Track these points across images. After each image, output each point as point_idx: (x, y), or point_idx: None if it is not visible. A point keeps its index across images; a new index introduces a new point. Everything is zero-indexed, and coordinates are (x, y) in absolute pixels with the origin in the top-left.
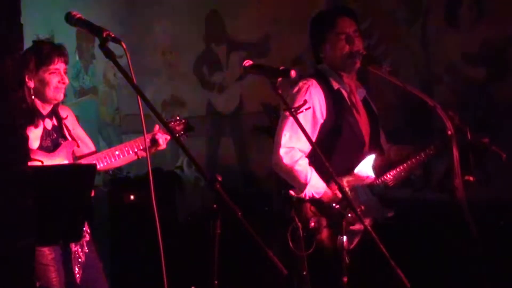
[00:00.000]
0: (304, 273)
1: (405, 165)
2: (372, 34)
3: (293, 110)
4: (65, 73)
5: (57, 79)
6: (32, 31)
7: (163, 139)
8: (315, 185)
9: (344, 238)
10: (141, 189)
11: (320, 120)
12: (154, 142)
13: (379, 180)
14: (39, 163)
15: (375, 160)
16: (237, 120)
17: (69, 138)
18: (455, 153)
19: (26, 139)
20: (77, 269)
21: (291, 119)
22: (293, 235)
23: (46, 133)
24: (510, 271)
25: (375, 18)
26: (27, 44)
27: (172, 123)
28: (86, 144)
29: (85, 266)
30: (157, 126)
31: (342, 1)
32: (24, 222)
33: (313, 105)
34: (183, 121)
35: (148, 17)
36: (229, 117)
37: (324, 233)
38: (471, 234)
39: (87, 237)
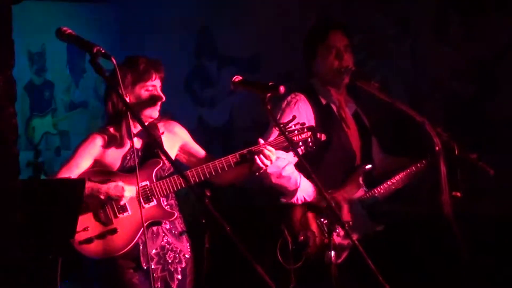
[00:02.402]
0: (292, 286)
1: (396, 177)
2: (361, 50)
3: (282, 126)
4: (161, 89)
5: (153, 96)
6: (24, 45)
7: (263, 157)
8: (306, 189)
9: (332, 253)
10: None
11: None
12: (246, 158)
13: (370, 193)
14: (118, 183)
15: (366, 173)
16: (228, 135)
17: (162, 156)
18: (443, 169)
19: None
20: None
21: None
22: (282, 248)
23: (132, 153)
24: (499, 283)
25: (365, 34)
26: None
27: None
28: (198, 158)
29: None
30: (260, 140)
31: (333, 16)
32: (12, 235)
33: (301, 119)
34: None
35: (139, 32)
36: (220, 132)
37: (313, 247)
38: (459, 249)
39: (183, 264)
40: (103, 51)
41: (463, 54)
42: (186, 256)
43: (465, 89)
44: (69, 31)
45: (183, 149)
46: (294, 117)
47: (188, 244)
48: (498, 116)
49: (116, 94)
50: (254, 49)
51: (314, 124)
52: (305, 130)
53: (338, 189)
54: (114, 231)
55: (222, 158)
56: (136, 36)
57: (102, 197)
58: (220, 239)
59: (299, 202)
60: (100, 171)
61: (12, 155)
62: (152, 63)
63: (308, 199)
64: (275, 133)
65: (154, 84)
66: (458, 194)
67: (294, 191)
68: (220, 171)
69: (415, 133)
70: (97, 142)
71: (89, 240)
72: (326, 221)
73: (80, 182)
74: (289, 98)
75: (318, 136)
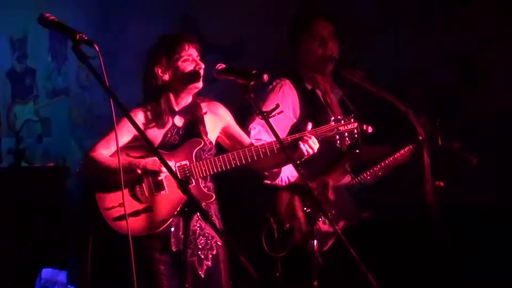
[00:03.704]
0: (277, 274)
1: (383, 163)
2: (344, 39)
3: (265, 114)
4: (200, 59)
5: (192, 65)
6: (6, 32)
7: (307, 146)
8: (289, 170)
9: (315, 242)
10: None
11: (293, 120)
12: (290, 145)
13: (356, 179)
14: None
15: (352, 159)
16: None
17: (203, 136)
18: (426, 158)
19: None
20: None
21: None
22: (267, 237)
23: (173, 131)
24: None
25: (348, 23)
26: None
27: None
28: (240, 143)
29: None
30: (309, 125)
31: (316, 4)
32: None
33: (286, 104)
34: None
35: (122, 18)
36: None
37: (297, 236)
38: (441, 238)
39: (214, 251)
40: (85, 37)
41: (446, 45)
42: (218, 243)
43: (448, 79)
44: (52, 17)
45: (225, 131)
46: (277, 105)
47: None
48: (480, 106)
49: (97, 79)
50: (238, 36)
51: (299, 109)
52: (352, 120)
53: (324, 175)
54: (149, 209)
55: (265, 143)
56: (118, 22)
57: (139, 171)
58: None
59: (283, 183)
60: (139, 146)
61: None
62: (183, 35)
63: (292, 179)
64: (257, 120)
65: (190, 53)
66: (441, 183)
67: (278, 172)
68: (262, 156)
69: (398, 122)
70: (138, 117)
71: (123, 217)
72: (309, 210)
73: (62, 169)
74: (274, 83)
75: (365, 128)
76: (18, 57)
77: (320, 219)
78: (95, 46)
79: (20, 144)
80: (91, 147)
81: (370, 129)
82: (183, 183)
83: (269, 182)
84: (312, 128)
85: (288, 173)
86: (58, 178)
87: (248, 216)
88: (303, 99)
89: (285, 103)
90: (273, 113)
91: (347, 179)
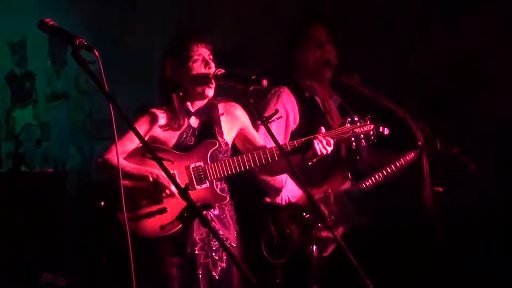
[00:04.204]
0: (277, 280)
1: (383, 171)
2: (343, 45)
3: (264, 119)
4: (212, 60)
5: (202, 67)
6: (5, 35)
7: (321, 146)
8: (291, 189)
9: (314, 247)
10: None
11: (292, 126)
12: (303, 146)
13: (357, 185)
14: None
15: (353, 166)
16: None
17: (219, 137)
18: (425, 163)
19: None
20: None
21: (263, 127)
22: (267, 243)
23: (188, 131)
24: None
25: (346, 29)
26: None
27: None
28: (254, 145)
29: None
30: (322, 128)
31: (314, 10)
32: None
33: (286, 111)
34: None
35: (122, 23)
36: None
37: (298, 241)
38: (440, 243)
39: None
40: (85, 43)
41: (445, 50)
42: (233, 244)
43: (446, 83)
44: (52, 22)
45: (242, 133)
46: (276, 111)
47: (235, 232)
48: (479, 112)
49: (97, 85)
50: (237, 42)
51: (298, 116)
52: (368, 122)
53: (324, 182)
54: (163, 210)
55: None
56: (118, 27)
57: (151, 179)
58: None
59: (283, 202)
60: (153, 147)
61: None
62: (192, 35)
63: (293, 200)
64: (260, 127)
65: (200, 53)
66: (441, 189)
67: (279, 190)
68: (276, 158)
69: (397, 128)
70: (155, 117)
71: (137, 218)
72: (308, 215)
73: (62, 174)
74: (272, 91)
75: (381, 130)
76: (17, 60)
77: (319, 224)
78: (95, 51)
79: (19, 148)
80: (105, 149)
81: (386, 131)
82: (182, 190)
83: (269, 200)
84: (327, 131)
85: (289, 192)
86: (58, 183)
87: (248, 221)
88: (302, 106)
89: (284, 110)
90: (272, 118)
91: (347, 185)
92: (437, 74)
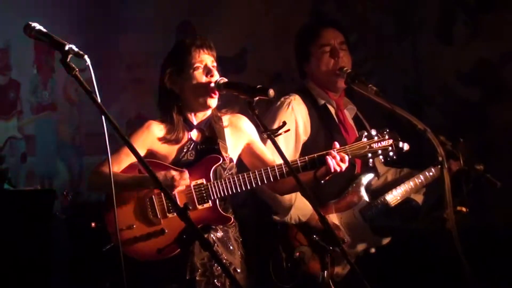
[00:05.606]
0: None
1: (402, 187)
2: (358, 51)
3: (270, 132)
4: (216, 68)
5: (203, 75)
6: None
7: (335, 163)
8: (301, 208)
9: (325, 273)
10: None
11: (303, 138)
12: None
13: (375, 202)
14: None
15: (369, 182)
16: None
17: (223, 152)
18: (447, 180)
19: None
20: None
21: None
22: (275, 266)
23: (189, 146)
24: None
25: (362, 33)
26: None
27: None
28: (262, 160)
29: None
30: (336, 144)
31: (326, 15)
32: None
33: (296, 121)
34: None
35: (113, 28)
36: None
37: (310, 265)
38: (462, 267)
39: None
40: (75, 49)
41: (468, 55)
42: (238, 270)
43: (470, 93)
44: (39, 27)
45: (248, 148)
46: (284, 123)
47: (240, 256)
48: (505, 122)
49: (87, 94)
50: (240, 47)
51: (310, 127)
52: (386, 137)
53: (337, 200)
54: (161, 232)
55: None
56: (110, 32)
57: (151, 187)
58: None
59: (293, 222)
60: (150, 162)
61: None
62: (193, 40)
63: (303, 219)
64: (267, 140)
65: (201, 59)
66: (464, 209)
67: (288, 209)
68: (286, 176)
69: (416, 142)
70: (153, 130)
71: (133, 240)
72: (318, 237)
73: (48, 192)
74: (282, 99)
75: (401, 145)
76: (0, 68)
77: (331, 248)
78: (86, 57)
79: (2, 164)
80: (98, 164)
81: (406, 146)
82: (181, 210)
83: (277, 218)
84: (342, 147)
85: (299, 212)
86: (44, 202)
87: (255, 243)
88: (314, 115)
89: (294, 120)
90: (279, 132)
91: (362, 203)
92: (459, 81)
